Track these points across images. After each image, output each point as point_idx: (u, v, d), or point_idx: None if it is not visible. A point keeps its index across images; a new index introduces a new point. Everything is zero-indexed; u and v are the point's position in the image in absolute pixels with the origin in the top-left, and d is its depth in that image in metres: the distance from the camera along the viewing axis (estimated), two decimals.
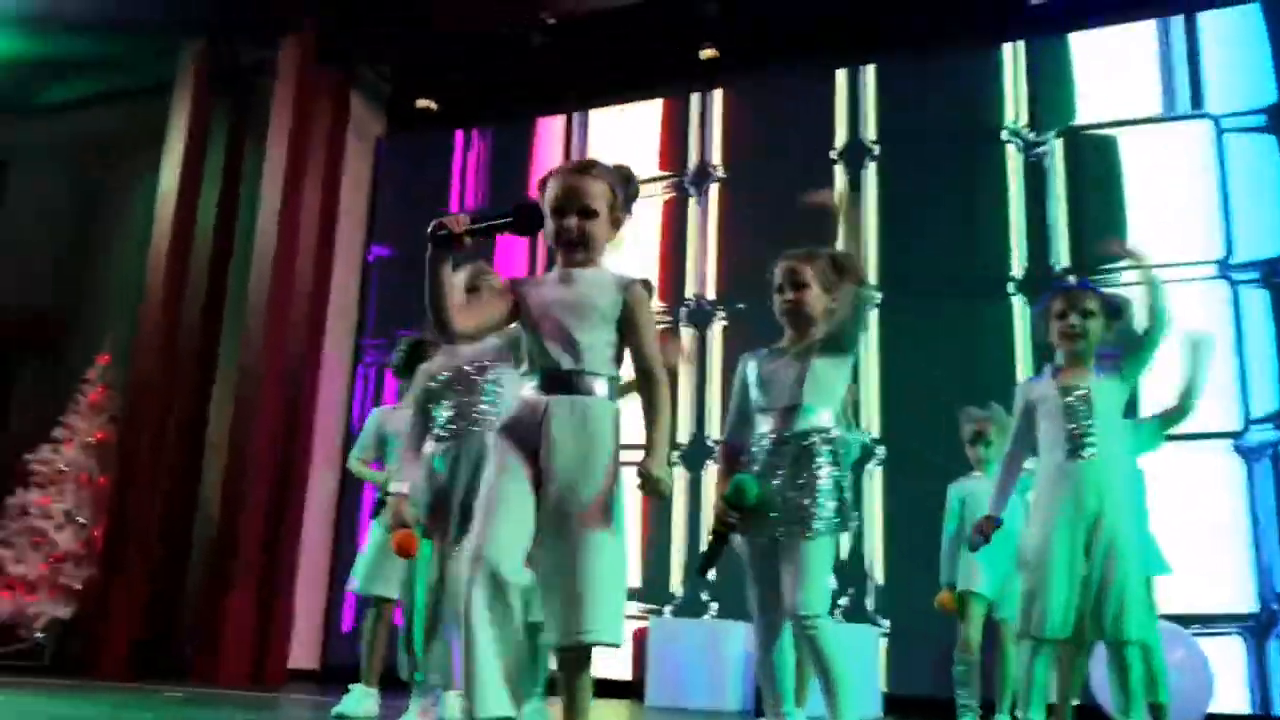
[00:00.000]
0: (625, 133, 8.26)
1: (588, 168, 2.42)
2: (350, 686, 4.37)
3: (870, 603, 6.54)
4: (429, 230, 2.16)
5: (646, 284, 2.43)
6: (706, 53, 7.88)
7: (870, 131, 7.56)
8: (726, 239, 7.80)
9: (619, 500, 2.32)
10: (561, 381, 2.33)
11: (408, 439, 3.74)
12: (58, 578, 7.82)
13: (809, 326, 3.04)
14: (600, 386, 2.34)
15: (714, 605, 7.06)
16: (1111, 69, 7.02)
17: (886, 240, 7.22)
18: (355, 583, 4.50)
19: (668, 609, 7.17)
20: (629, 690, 6.77)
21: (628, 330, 2.38)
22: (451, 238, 2.17)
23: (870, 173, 7.47)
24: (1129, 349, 3.41)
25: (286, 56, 8.23)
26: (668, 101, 8.25)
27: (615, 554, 2.27)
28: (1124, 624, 3.15)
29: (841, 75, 7.71)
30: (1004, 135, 7.17)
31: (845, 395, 3.30)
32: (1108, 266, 6.45)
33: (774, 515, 2.89)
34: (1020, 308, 6.85)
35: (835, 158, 7.58)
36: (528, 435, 2.31)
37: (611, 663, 7.01)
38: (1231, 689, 5.65)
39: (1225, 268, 6.40)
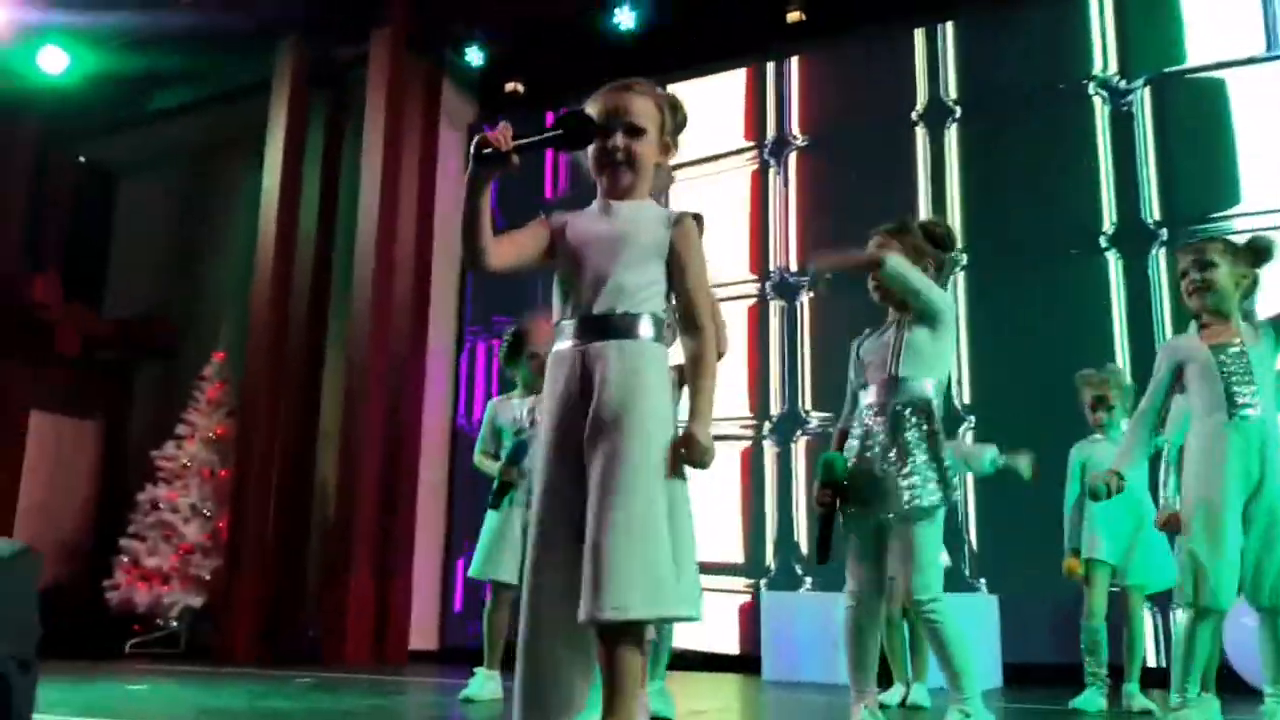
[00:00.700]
0: (713, 104, 8.17)
1: (631, 84, 2.21)
2: (475, 670, 4.45)
3: (966, 569, 6.41)
4: (472, 148, 1.95)
5: (698, 218, 2.17)
6: (792, 15, 7.74)
7: (951, 91, 7.35)
8: (808, 209, 7.69)
9: (671, 452, 2.00)
10: (601, 326, 2.04)
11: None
12: (188, 568, 8.13)
13: (901, 303, 3.04)
14: (646, 328, 2.05)
15: (808, 580, 7.04)
16: (1201, 9, 6.68)
17: (971, 202, 7.04)
18: (475, 568, 4.57)
19: (762, 582, 7.16)
20: (744, 665, 6.79)
21: (674, 271, 2.10)
22: (498, 155, 1.94)
23: (952, 133, 7.27)
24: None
25: (378, 49, 8.34)
26: (751, 71, 8.14)
27: (665, 519, 1.94)
28: None
29: (919, 35, 7.51)
30: (1090, 86, 6.89)
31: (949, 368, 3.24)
32: (1216, 215, 6.18)
33: (874, 494, 2.89)
34: (1115, 263, 6.61)
35: (916, 119, 7.41)
36: (571, 400, 2.03)
37: (722, 637, 7.06)
38: None
39: None
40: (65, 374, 9.80)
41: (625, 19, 7.91)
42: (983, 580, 6.36)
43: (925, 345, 2.96)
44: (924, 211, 7.04)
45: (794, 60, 7.98)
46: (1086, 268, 6.66)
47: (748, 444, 7.46)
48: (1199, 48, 6.64)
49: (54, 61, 8.95)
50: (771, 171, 7.88)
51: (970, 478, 6.31)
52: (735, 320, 7.63)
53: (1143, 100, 6.74)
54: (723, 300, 7.97)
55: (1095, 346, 6.35)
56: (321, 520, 8.44)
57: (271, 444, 8.24)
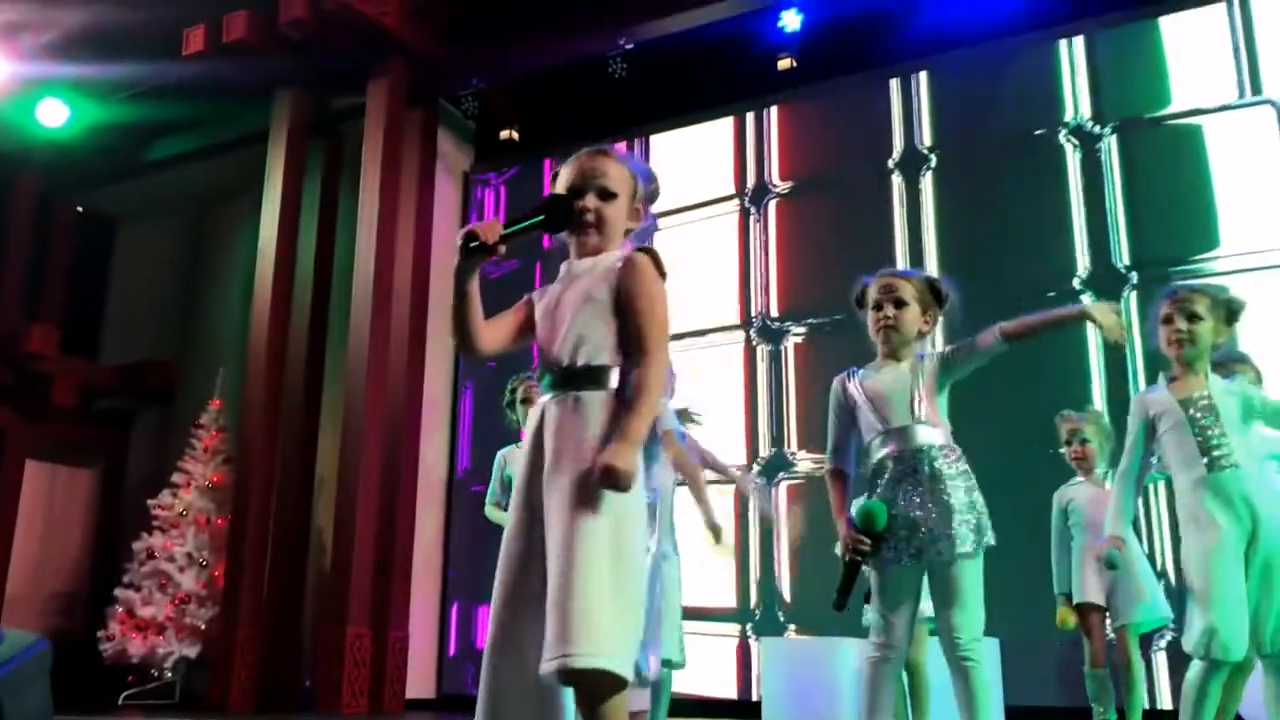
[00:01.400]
0: (702, 151, 8.29)
1: (606, 150, 2.25)
2: None
3: None
4: (460, 241, 2.03)
5: (652, 254, 2.17)
6: (783, 63, 7.85)
7: (925, 139, 7.47)
8: (788, 255, 7.80)
9: (624, 505, 1.96)
10: (564, 378, 2.09)
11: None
12: (184, 618, 8.08)
13: (903, 346, 3.03)
14: (603, 379, 2.07)
15: (791, 626, 7.06)
16: (1173, 56, 6.81)
17: (946, 247, 7.15)
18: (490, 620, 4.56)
19: (748, 627, 7.17)
20: (739, 710, 6.76)
21: (622, 304, 2.10)
22: (485, 248, 2.03)
23: (927, 180, 7.37)
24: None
25: (374, 99, 8.44)
26: (737, 120, 8.27)
27: (614, 566, 1.91)
28: None
29: (895, 84, 7.65)
30: (1062, 133, 7.01)
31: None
32: (1187, 260, 6.27)
33: (915, 539, 2.85)
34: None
35: (892, 167, 7.52)
36: (532, 453, 2.09)
37: (717, 682, 7.03)
38: None
39: None
40: (62, 424, 9.80)
41: (617, 69, 8.02)
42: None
43: (937, 387, 3.00)
44: (901, 257, 7.16)
45: (773, 110, 8.10)
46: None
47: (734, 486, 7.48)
48: (1169, 94, 6.75)
49: (54, 114, 9.05)
50: (752, 218, 7.99)
51: None
52: (726, 364, 7.69)
53: (1110, 147, 6.84)
54: (713, 346, 8.16)
55: (1072, 389, 6.42)
56: (318, 568, 8.41)
57: (268, 492, 8.23)
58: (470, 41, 8.57)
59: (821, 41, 7.71)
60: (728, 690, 7.09)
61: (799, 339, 7.56)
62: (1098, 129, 6.90)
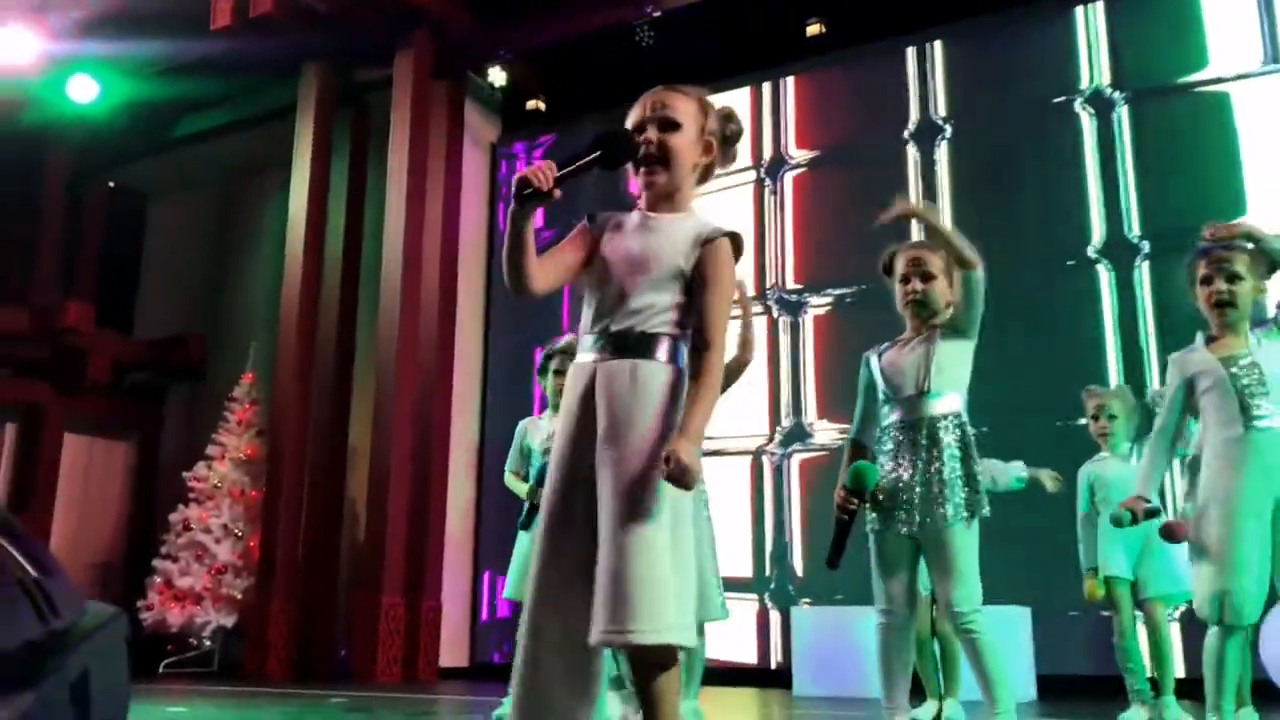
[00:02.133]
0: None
1: (676, 86, 2.11)
2: (509, 690, 4.46)
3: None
4: (514, 188, 1.90)
5: (735, 237, 2.06)
6: (812, 29, 7.79)
7: (940, 109, 7.43)
8: (803, 226, 7.80)
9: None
10: (618, 343, 1.99)
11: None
12: (220, 588, 8.22)
13: (933, 317, 3.03)
14: (662, 350, 1.98)
15: (805, 599, 7.11)
16: (1193, 24, 6.73)
17: (962, 218, 7.09)
18: (510, 588, 4.59)
19: (765, 595, 7.25)
20: (765, 678, 6.82)
21: (696, 287, 2.01)
22: (539, 194, 1.89)
23: (943, 151, 7.34)
24: None
25: (401, 71, 8.44)
26: (755, 90, 8.23)
27: (672, 539, 1.90)
28: None
29: (911, 53, 7.60)
30: (1077, 102, 6.95)
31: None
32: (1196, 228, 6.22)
33: (906, 507, 2.88)
34: (1106, 275, 6.65)
35: (908, 137, 7.48)
36: (581, 416, 1.99)
37: (740, 649, 7.10)
38: None
39: None
40: (97, 397, 9.94)
41: (645, 37, 7.97)
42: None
43: (954, 358, 2.98)
44: (916, 229, 7.11)
45: (789, 81, 8.06)
46: (1077, 280, 6.70)
47: (751, 459, 7.54)
48: (1188, 61, 6.68)
49: (84, 91, 9.11)
50: (767, 189, 7.98)
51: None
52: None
53: (1121, 116, 6.80)
54: (733, 318, 8.02)
55: (1087, 358, 6.45)
56: (351, 539, 8.51)
57: (301, 464, 8.32)
58: (496, 12, 8.55)
59: (844, 8, 7.66)
60: (748, 656, 7.16)
61: (819, 311, 7.56)
62: (1116, 95, 6.84)
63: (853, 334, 7.06)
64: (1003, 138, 7.17)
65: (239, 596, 8.22)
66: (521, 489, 4.58)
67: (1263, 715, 3.39)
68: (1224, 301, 3.05)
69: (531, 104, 8.93)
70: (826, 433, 7.32)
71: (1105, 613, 4.57)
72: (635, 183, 2.13)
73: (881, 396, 3.06)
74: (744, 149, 7.91)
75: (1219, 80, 6.56)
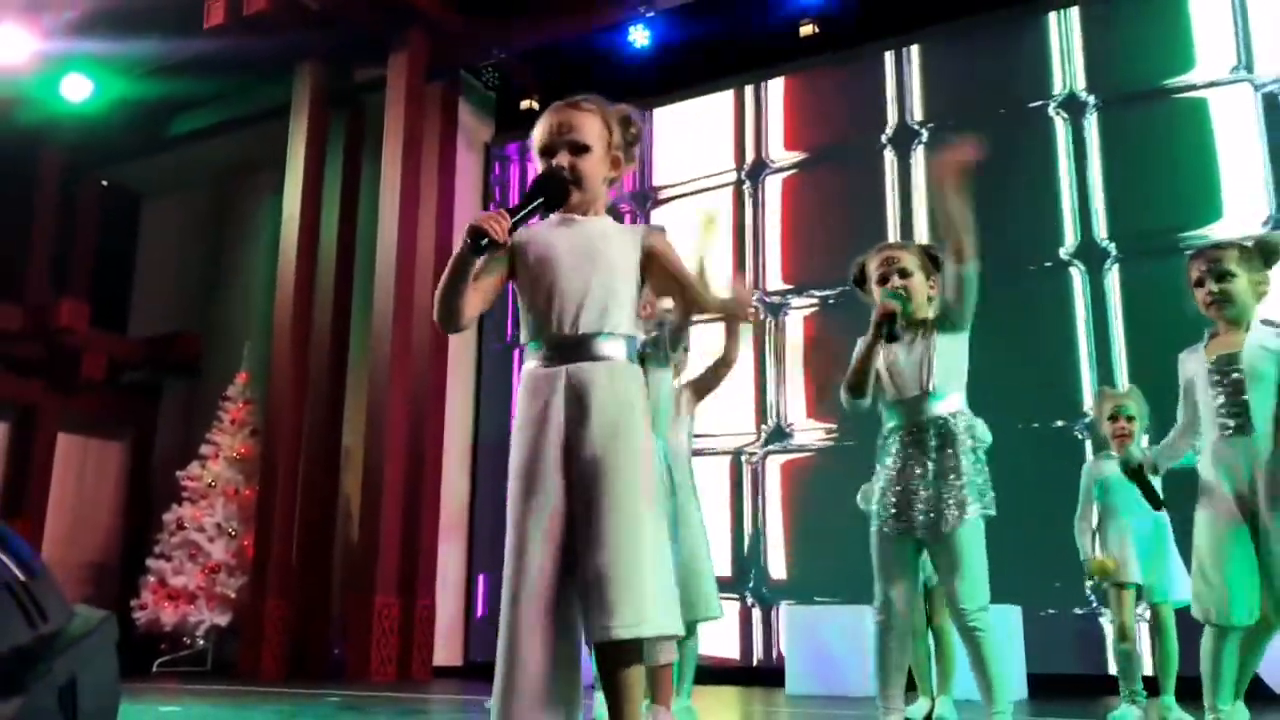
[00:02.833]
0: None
1: (577, 102, 2.14)
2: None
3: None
4: (468, 236, 1.94)
5: (661, 230, 2.14)
6: (805, 29, 7.80)
7: (917, 113, 7.51)
8: (784, 229, 7.85)
9: (656, 473, 2.03)
10: (585, 347, 2.00)
11: None
12: (214, 587, 8.22)
13: (916, 313, 3.02)
14: (620, 349, 2.02)
15: (784, 601, 7.14)
16: (1167, 31, 6.83)
17: (937, 222, 7.13)
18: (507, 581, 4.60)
19: (746, 594, 7.32)
20: (751, 677, 6.87)
21: (662, 276, 2.08)
22: (495, 244, 1.94)
23: (919, 155, 7.41)
24: None
25: (395, 72, 8.44)
26: (736, 92, 8.30)
27: (657, 533, 1.95)
28: None
29: (889, 57, 7.68)
30: (1050, 106, 7.05)
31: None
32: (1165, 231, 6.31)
33: (918, 508, 2.87)
34: (1079, 277, 6.72)
35: (885, 141, 7.56)
36: (554, 422, 1.99)
37: (719, 646, 7.14)
38: None
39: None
40: (91, 396, 9.93)
41: (639, 37, 7.98)
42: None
43: (951, 355, 2.97)
44: (892, 231, 7.20)
45: (770, 84, 8.12)
46: (1050, 282, 6.77)
47: (731, 459, 7.59)
48: (1164, 68, 6.76)
49: (78, 89, 9.10)
50: (746, 191, 8.04)
51: None
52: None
53: (1093, 123, 6.89)
54: (717, 319, 8.11)
55: (1059, 360, 6.54)
56: (345, 538, 8.51)
57: (295, 462, 8.32)
58: (490, 12, 8.55)
59: (834, 11, 7.72)
60: (730, 652, 7.22)
61: (807, 312, 7.59)
62: (1090, 100, 6.93)
63: (836, 336, 7.14)
64: (980, 142, 7.21)
65: (233, 595, 8.22)
66: None
67: (1254, 713, 3.40)
68: (1216, 301, 3.05)
69: (525, 104, 8.92)
70: (812, 433, 7.36)
71: (1093, 611, 4.60)
72: None
73: (883, 395, 3.03)
74: (726, 151, 8.06)
75: (1192, 87, 6.65)
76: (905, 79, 7.58)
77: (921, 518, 2.86)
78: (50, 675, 1.28)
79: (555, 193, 2.06)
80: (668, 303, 3.29)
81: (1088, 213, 6.77)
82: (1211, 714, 2.98)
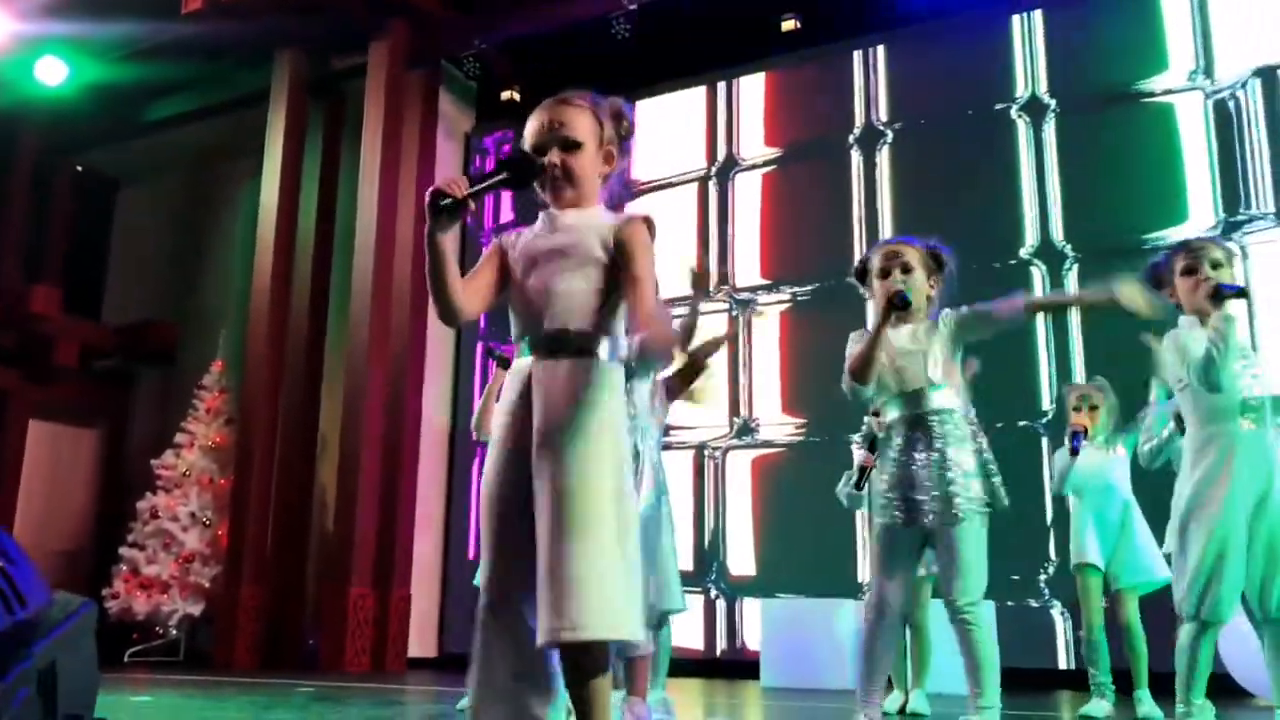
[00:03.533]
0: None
1: (568, 98, 2.11)
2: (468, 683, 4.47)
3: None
4: (429, 200, 1.89)
5: (649, 221, 2.07)
6: (787, 24, 7.82)
7: (883, 114, 7.59)
8: (754, 226, 7.88)
9: (622, 474, 1.96)
10: (553, 344, 1.99)
11: None
12: (188, 576, 8.17)
13: (917, 311, 3.03)
14: (601, 348, 1.99)
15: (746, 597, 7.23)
16: (1129, 36, 6.94)
17: (902, 219, 7.25)
18: (479, 577, 4.59)
19: (709, 587, 7.39)
20: (720, 669, 6.90)
21: (623, 274, 2.00)
22: (455, 204, 1.89)
23: (884, 155, 7.50)
24: None
25: (375, 60, 8.40)
26: (708, 89, 8.34)
27: (618, 536, 1.89)
28: None
29: (857, 57, 7.76)
30: (1013, 109, 7.15)
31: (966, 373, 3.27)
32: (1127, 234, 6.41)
33: (925, 503, 2.88)
34: (1039, 275, 6.82)
35: (852, 142, 7.62)
36: (518, 420, 1.98)
37: (690, 638, 7.17)
38: None
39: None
40: (64, 384, 9.83)
41: (621, 29, 7.96)
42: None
43: (950, 350, 3.01)
44: (858, 231, 7.29)
45: (741, 81, 8.18)
46: (1011, 281, 6.82)
47: (695, 453, 7.64)
48: (1126, 73, 6.87)
49: (52, 72, 9.00)
50: (713, 189, 8.10)
51: None
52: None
53: (1052, 125, 7.01)
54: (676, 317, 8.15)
55: (1020, 359, 6.62)
56: (320, 528, 8.48)
57: (270, 452, 8.28)
58: (472, 2, 8.51)
59: (814, 7, 7.75)
60: (694, 643, 7.25)
61: (781, 308, 7.59)
62: (1051, 103, 7.05)
63: (807, 332, 7.19)
64: (943, 142, 7.36)
65: (206, 585, 8.17)
66: None
67: (1221, 709, 3.44)
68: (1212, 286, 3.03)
69: (506, 95, 8.89)
70: (783, 428, 7.40)
71: (1062, 604, 4.62)
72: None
73: (885, 386, 3.04)
74: (697, 148, 8.08)
75: (1150, 95, 6.78)
76: (872, 79, 7.66)
77: (931, 507, 2.87)
78: (30, 661, 1.27)
79: (520, 173, 2.03)
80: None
81: (1046, 214, 6.89)
82: (1184, 707, 3.00)
